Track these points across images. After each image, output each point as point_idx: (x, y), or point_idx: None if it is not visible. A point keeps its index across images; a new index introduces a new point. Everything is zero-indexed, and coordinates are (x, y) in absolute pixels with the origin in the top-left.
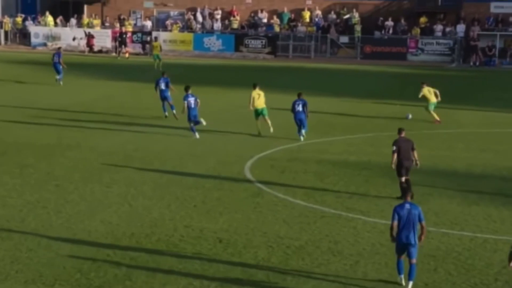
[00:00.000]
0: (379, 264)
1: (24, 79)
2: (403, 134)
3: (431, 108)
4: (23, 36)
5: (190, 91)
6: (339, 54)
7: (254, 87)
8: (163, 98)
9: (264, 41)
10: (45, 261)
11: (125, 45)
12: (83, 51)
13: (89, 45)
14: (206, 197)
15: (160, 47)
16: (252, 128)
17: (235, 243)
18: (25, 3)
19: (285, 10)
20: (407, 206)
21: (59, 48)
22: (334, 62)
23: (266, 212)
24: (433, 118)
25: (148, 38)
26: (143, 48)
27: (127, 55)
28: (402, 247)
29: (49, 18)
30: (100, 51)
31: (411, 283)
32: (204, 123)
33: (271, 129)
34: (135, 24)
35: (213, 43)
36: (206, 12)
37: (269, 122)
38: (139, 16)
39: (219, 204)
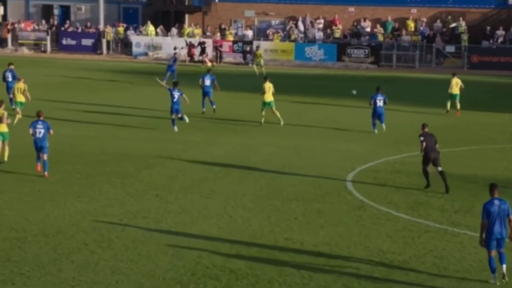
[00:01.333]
0: (486, 281)
1: (124, 89)
2: (426, 129)
3: (454, 98)
4: (125, 45)
5: (177, 87)
6: (445, 64)
7: (265, 80)
8: (205, 93)
9: (367, 50)
10: (145, 272)
11: (204, 53)
12: (184, 61)
13: (190, 54)
14: (307, 209)
15: (261, 55)
16: (354, 138)
17: (336, 256)
18: (127, 13)
19: (389, 18)
20: (496, 202)
21: (175, 53)
22: (440, 72)
23: (368, 225)
24: (447, 108)
25: (248, 48)
26: (244, 57)
27: (208, 63)
28: (495, 241)
29: (151, 28)
30: (200, 61)
31: (504, 266)
32: (187, 120)
33: (282, 122)
34: (236, 33)
35: (315, 52)
36: (308, 21)
37: (277, 114)
38: (240, 25)
39: (320, 216)
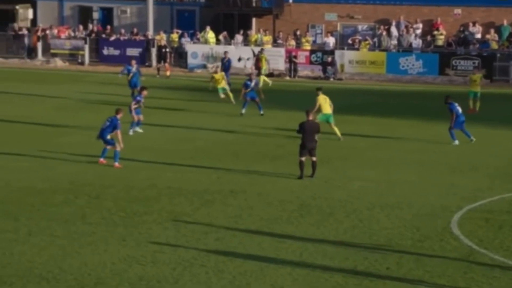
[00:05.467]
0: None
1: (178, 109)
2: (310, 117)
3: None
4: (179, 56)
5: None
6: None
7: (319, 92)
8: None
9: (476, 61)
10: None
11: (165, 61)
12: (250, 74)
13: (258, 67)
14: (402, 257)
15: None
16: (461, 171)
17: None
18: (182, 17)
19: (505, 22)
20: None
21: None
22: None
23: (479, 278)
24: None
25: (330, 59)
26: (324, 70)
27: (168, 73)
28: None
29: (210, 35)
30: (271, 74)
31: None
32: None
33: (341, 138)
34: (314, 41)
35: (411, 64)
36: (403, 25)
37: (336, 129)
38: (319, 31)
39: (418, 267)
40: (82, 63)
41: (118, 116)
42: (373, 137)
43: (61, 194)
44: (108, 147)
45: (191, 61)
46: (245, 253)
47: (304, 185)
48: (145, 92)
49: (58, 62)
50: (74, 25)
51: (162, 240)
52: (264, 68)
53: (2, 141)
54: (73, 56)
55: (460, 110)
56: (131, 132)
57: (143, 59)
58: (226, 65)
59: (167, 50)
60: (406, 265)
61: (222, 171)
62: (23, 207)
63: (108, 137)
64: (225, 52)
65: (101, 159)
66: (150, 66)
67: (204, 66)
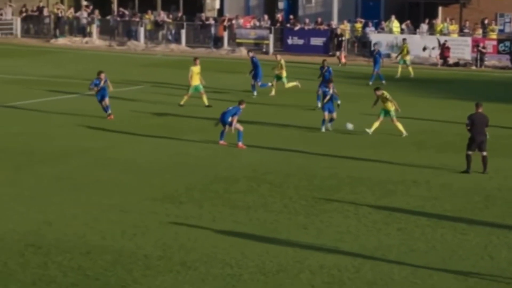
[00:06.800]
0: None
1: (356, 98)
2: (480, 110)
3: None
4: (363, 45)
5: None
6: None
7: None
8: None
9: None
10: None
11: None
12: (435, 64)
13: (443, 56)
14: None
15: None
16: None
17: None
18: (366, 6)
19: None
20: None
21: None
22: None
23: None
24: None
25: None
26: None
27: (343, 60)
28: None
29: (395, 24)
30: (456, 64)
31: None
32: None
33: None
34: (501, 30)
35: None
36: None
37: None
38: (507, 20)
39: None
40: (266, 53)
41: (241, 107)
42: None
43: (244, 182)
44: (227, 128)
45: None
46: (427, 244)
47: (489, 177)
48: (331, 85)
49: (243, 52)
50: (259, 14)
51: (343, 229)
52: (407, 58)
53: (189, 129)
54: (257, 46)
55: None
56: (323, 129)
57: (327, 49)
58: (376, 58)
59: (343, 38)
60: None
61: (404, 161)
62: (208, 194)
63: (229, 119)
64: (375, 44)
65: (222, 141)
66: (333, 55)
67: (388, 56)
